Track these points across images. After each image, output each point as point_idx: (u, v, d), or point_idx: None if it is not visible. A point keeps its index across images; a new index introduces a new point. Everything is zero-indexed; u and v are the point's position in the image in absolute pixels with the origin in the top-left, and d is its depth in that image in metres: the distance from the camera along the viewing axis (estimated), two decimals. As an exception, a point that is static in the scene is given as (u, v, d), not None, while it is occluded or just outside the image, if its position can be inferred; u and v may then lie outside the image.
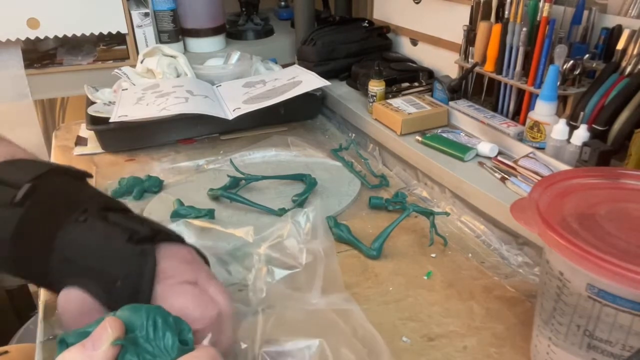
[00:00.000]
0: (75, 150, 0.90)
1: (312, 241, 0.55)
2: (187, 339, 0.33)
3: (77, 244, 0.39)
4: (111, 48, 1.20)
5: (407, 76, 0.97)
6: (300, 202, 0.70)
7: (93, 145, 0.90)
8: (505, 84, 0.79)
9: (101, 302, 0.37)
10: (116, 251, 0.38)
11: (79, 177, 0.46)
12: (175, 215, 0.66)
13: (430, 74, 0.96)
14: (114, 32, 1.13)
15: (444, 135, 0.79)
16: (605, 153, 0.61)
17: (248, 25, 1.34)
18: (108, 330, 0.30)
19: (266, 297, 0.49)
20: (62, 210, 0.40)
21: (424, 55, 1.02)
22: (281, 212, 0.68)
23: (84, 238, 0.39)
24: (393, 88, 0.92)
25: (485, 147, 0.73)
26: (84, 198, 0.42)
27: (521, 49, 0.74)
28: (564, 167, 0.64)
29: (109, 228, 0.39)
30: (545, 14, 0.69)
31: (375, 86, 0.87)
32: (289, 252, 0.55)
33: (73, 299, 0.37)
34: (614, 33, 0.67)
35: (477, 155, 0.74)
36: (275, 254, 0.57)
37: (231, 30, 1.33)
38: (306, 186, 0.74)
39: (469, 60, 0.85)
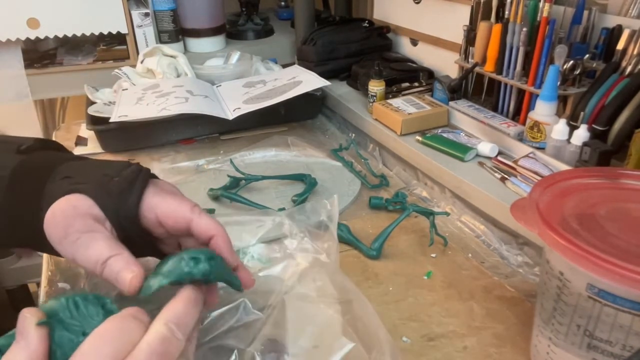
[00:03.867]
0: (75, 150, 0.90)
1: (315, 240, 0.55)
2: (112, 309, 0.33)
3: (77, 165, 0.44)
4: (111, 48, 1.20)
5: (407, 76, 0.97)
6: (300, 202, 0.70)
7: (93, 145, 0.90)
8: (506, 84, 0.79)
9: (94, 199, 0.40)
10: (112, 165, 0.44)
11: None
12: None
13: (430, 74, 0.96)
14: (114, 32, 1.13)
15: (444, 135, 0.79)
16: (605, 153, 0.61)
17: (248, 25, 1.34)
18: (27, 316, 0.30)
19: (266, 297, 0.49)
20: (61, 154, 0.46)
21: (424, 55, 1.02)
22: (281, 212, 0.68)
23: (83, 163, 0.45)
24: (393, 88, 0.92)
25: (485, 147, 0.73)
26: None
27: (521, 49, 0.74)
28: (564, 167, 0.64)
29: (106, 160, 0.46)
30: (545, 14, 0.69)
31: (375, 86, 0.87)
32: (289, 252, 0.55)
33: (64, 202, 0.39)
34: (614, 33, 0.67)
35: (477, 155, 0.74)
36: (275, 254, 0.57)
37: (231, 30, 1.33)
38: (306, 186, 0.74)
39: (469, 60, 0.85)
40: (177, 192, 0.45)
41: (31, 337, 0.30)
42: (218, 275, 0.38)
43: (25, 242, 0.45)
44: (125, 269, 0.37)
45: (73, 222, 0.39)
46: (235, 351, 0.42)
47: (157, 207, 0.42)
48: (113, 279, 0.37)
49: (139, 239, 0.43)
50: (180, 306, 0.33)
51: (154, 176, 0.46)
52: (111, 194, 0.40)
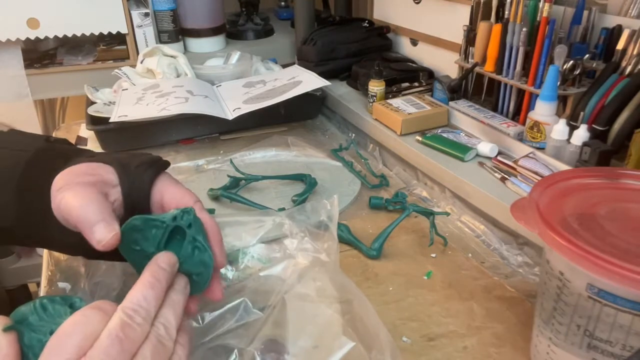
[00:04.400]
0: (75, 150, 0.90)
1: (315, 240, 0.55)
2: (81, 307, 0.34)
3: (90, 154, 0.46)
4: (111, 48, 1.20)
5: (407, 76, 0.97)
6: (300, 202, 0.70)
7: (93, 145, 0.90)
8: (505, 84, 0.79)
9: (111, 165, 0.42)
10: (133, 153, 0.45)
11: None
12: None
13: (430, 74, 0.96)
14: (114, 32, 1.13)
15: (444, 135, 0.79)
16: (605, 153, 0.61)
17: (248, 25, 1.34)
18: None
19: (266, 296, 0.49)
20: (70, 151, 0.47)
21: (424, 55, 1.02)
22: (281, 212, 0.68)
23: (94, 153, 0.46)
24: (393, 88, 0.92)
25: (485, 147, 0.73)
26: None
27: (521, 49, 0.74)
28: (564, 167, 0.64)
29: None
30: (545, 14, 0.69)
31: (375, 86, 0.87)
32: (289, 252, 0.55)
33: (72, 169, 0.40)
34: (614, 33, 0.67)
35: (477, 155, 0.74)
36: (275, 254, 0.57)
37: (231, 30, 1.33)
38: (306, 186, 0.74)
39: (469, 60, 0.85)
40: (184, 185, 0.47)
41: (0, 342, 0.30)
42: (196, 230, 0.40)
43: (34, 229, 0.44)
44: (105, 221, 0.38)
45: (79, 177, 0.40)
46: (236, 351, 0.42)
47: (166, 190, 0.44)
48: (84, 227, 0.38)
49: (141, 213, 0.43)
50: (136, 292, 0.34)
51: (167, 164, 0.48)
52: (127, 168, 0.43)
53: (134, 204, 0.43)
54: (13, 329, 0.31)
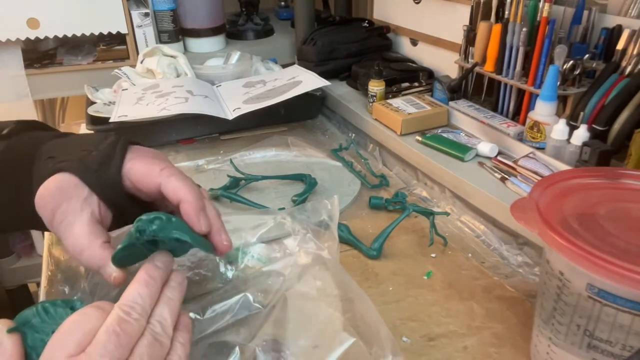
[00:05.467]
0: (75, 150, 0.90)
1: (316, 239, 0.55)
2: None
3: (59, 143, 0.44)
4: (111, 48, 1.20)
5: (407, 76, 0.97)
6: (300, 202, 0.70)
7: (93, 145, 0.90)
8: (505, 84, 0.79)
9: (74, 174, 0.41)
10: (92, 139, 0.44)
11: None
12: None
13: (430, 74, 0.96)
14: (114, 32, 1.13)
15: (444, 135, 0.79)
16: (605, 153, 0.61)
17: (248, 25, 1.34)
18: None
19: (267, 292, 0.49)
20: (44, 133, 0.47)
21: (424, 55, 1.02)
22: (281, 211, 0.68)
23: (66, 140, 0.45)
24: (393, 88, 0.92)
25: (485, 147, 0.73)
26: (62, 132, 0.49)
27: (521, 49, 0.74)
28: (564, 167, 0.64)
29: (87, 135, 0.46)
30: (545, 14, 0.69)
31: (375, 86, 0.87)
32: (289, 252, 0.55)
33: (50, 183, 0.40)
34: (614, 33, 0.67)
35: (477, 155, 0.74)
36: (275, 253, 0.57)
37: (231, 30, 1.33)
38: (306, 186, 0.74)
39: (469, 60, 0.85)
40: (154, 155, 0.45)
41: (5, 345, 0.32)
42: (160, 232, 0.38)
43: (26, 226, 0.47)
44: (103, 267, 0.40)
45: (59, 204, 0.40)
46: (237, 347, 0.42)
47: (130, 172, 0.42)
48: (94, 270, 0.41)
49: (128, 206, 0.43)
50: (132, 289, 0.35)
51: (137, 143, 0.46)
52: (91, 169, 0.41)
53: (113, 201, 0.43)
54: (17, 331, 0.32)
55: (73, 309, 0.35)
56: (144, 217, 0.38)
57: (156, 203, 0.45)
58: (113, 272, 0.39)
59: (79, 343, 0.31)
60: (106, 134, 0.45)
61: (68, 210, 0.40)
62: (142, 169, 0.42)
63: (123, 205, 0.43)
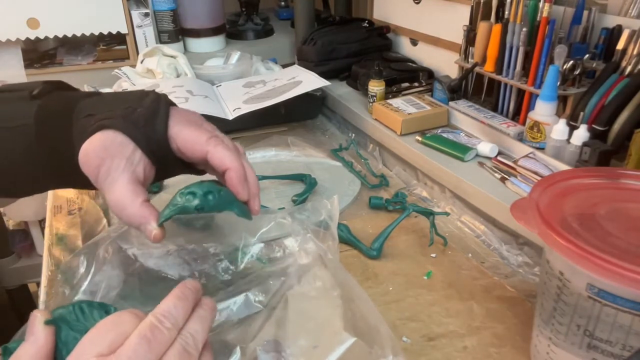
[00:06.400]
0: (75, 150, 0.90)
1: (316, 239, 0.55)
2: None
3: (95, 101, 0.45)
4: (111, 48, 1.20)
5: (407, 76, 0.97)
6: (300, 202, 0.70)
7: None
8: (505, 84, 0.79)
9: (120, 130, 0.41)
10: (131, 96, 0.45)
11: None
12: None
13: (430, 74, 0.96)
14: (114, 32, 1.13)
15: (444, 135, 0.79)
16: (605, 153, 0.61)
17: (248, 25, 1.34)
18: (37, 316, 0.33)
19: (268, 292, 0.49)
20: (73, 93, 0.47)
21: (424, 55, 1.02)
22: (281, 211, 0.68)
23: (100, 98, 0.46)
24: (393, 88, 0.92)
25: (485, 147, 0.73)
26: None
27: (521, 49, 0.74)
28: (564, 167, 0.64)
29: (124, 92, 0.47)
30: (545, 14, 0.69)
31: (375, 86, 0.87)
32: (289, 252, 0.55)
33: (94, 140, 0.41)
34: (614, 33, 0.67)
35: (477, 155, 0.74)
36: (275, 253, 0.57)
37: (231, 30, 1.33)
38: (306, 186, 0.74)
39: (469, 60, 0.85)
40: (197, 120, 0.46)
41: (39, 334, 0.32)
42: (215, 207, 0.43)
43: (64, 184, 0.48)
44: (144, 224, 0.42)
45: (103, 161, 0.41)
46: (238, 347, 0.42)
47: (177, 137, 0.43)
48: (135, 228, 0.42)
49: (171, 162, 0.45)
50: (168, 301, 0.35)
51: (173, 103, 0.46)
52: (138, 125, 0.42)
53: (158, 157, 0.44)
54: (53, 324, 0.33)
55: (107, 313, 0.36)
56: (196, 189, 0.42)
57: (198, 164, 0.47)
58: (154, 229, 0.41)
59: (110, 344, 0.31)
60: (143, 90, 0.46)
61: (111, 168, 0.41)
62: (189, 136, 0.43)
63: (167, 162, 0.44)
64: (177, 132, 0.43)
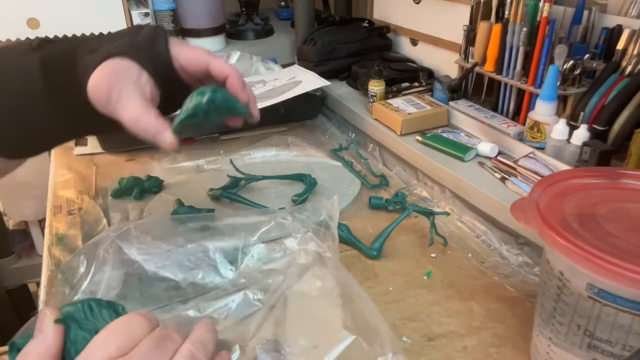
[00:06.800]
0: (75, 150, 0.90)
1: (316, 238, 0.55)
2: (123, 314, 0.36)
3: (95, 41, 0.48)
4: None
5: (407, 76, 0.97)
6: (300, 202, 0.70)
7: (93, 145, 0.90)
8: (505, 84, 0.79)
9: (126, 56, 0.45)
10: (129, 30, 0.49)
11: None
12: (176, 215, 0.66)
13: (430, 74, 0.96)
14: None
15: (444, 135, 0.79)
16: (605, 153, 0.61)
17: (248, 25, 1.34)
18: (47, 314, 0.33)
19: (267, 291, 0.49)
20: (72, 38, 0.51)
21: (424, 55, 1.02)
22: (282, 210, 0.68)
23: (99, 38, 0.49)
24: (393, 88, 0.92)
25: (485, 147, 0.73)
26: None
27: (521, 49, 0.74)
28: (564, 167, 0.64)
29: (121, 30, 0.50)
30: (545, 14, 0.69)
31: (375, 86, 0.87)
32: (289, 251, 0.55)
33: (104, 68, 0.44)
34: (614, 33, 0.67)
35: (477, 155, 0.74)
36: (275, 253, 0.57)
37: (231, 30, 1.33)
38: (306, 186, 0.74)
39: (469, 60, 0.85)
40: (193, 45, 0.51)
41: (48, 332, 0.32)
42: (222, 102, 0.47)
43: (77, 127, 0.50)
44: (158, 133, 0.45)
45: (113, 85, 0.44)
46: (237, 346, 0.42)
47: (179, 55, 0.48)
48: (150, 138, 0.45)
49: (174, 82, 0.49)
50: (201, 332, 0.36)
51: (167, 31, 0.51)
52: (142, 48, 0.46)
53: (163, 78, 0.47)
54: (62, 323, 0.33)
55: (116, 312, 0.36)
56: (203, 89, 0.46)
57: (195, 86, 0.50)
58: (169, 138, 0.45)
59: (121, 346, 0.32)
60: (139, 25, 0.51)
61: (122, 90, 0.44)
62: (190, 53, 0.48)
63: (171, 83, 0.48)
64: (179, 52, 0.48)
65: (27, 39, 0.51)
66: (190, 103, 0.46)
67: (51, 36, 1.08)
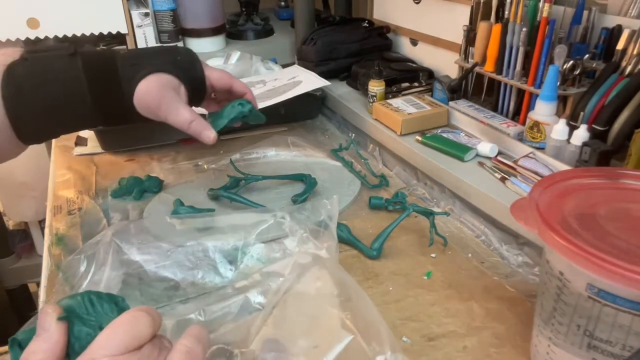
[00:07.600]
0: (75, 150, 0.90)
1: (315, 239, 0.55)
2: (124, 307, 0.36)
3: (137, 52, 0.63)
4: (111, 48, 1.20)
5: (407, 76, 0.97)
6: (300, 202, 0.70)
7: (93, 145, 0.90)
8: (505, 84, 0.79)
9: (170, 73, 0.58)
10: (164, 49, 0.64)
11: None
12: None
13: (430, 74, 0.96)
14: (114, 32, 1.13)
15: (444, 135, 0.79)
16: (605, 153, 0.61)
17: (248, 25, 1.34)
18: (49, 312, 0.33)
19: (267, 293, 0.49)
20: (105, 49, 0.63)
21: (424, 55, 1.02)
22: (281, 209, 0.68)
23: (135, 52, 0.62)
24: (393, 88, 0.92)
25: (485, 147, 0.73)
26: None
27: (521, 49, 0.74)
28: (564, 167, 0.64)
29: (156, 47, 0.65)
30: (545, 14, 0.69)
31: (375, 86, 0.87)
32: (289, 252, 0.55)
33: (151, 81, 0.56)
34: (614, 33, 0.67)
35: (477, 155, 0.74)
36: (275, 253, 0.57)
37: (231, 30, 1.33)
38: (306, 186, 0.74)
39: (469, 60, 0.85)
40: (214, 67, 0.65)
41: (52, 330, 0.32)
42: (254, 112, 0.64)
43: (116, 122, 0.61)
44: (204, 131, 0.59)
45: (163, 95, 0.56)
46: (237, 351, 0.42)
47: (211, 76, 0.63)
48: (197, 135, 0.59)
49: (202, 97, 0.64)
50: (195, 330, 0.36)
51: None
52: (182, 68, 0.59)
53: (194, 93, 0.62)
54: (66, 319, 0.33)
55: (117, 305, 0.36)
56: (243, 101, 0.63)
57: (221, 94, 0.67)
58: (212, 133, 0.59)
59: (126, 344, 0.32)
60: (172, 45, 0.59)
61: (172, 99, 0.57)
62: (219, 74, 0.63)
63: (199, 97, 0.63)
64: (210, 73, 0.63)
65: (58, 45, 0.57)
66: (232, 110, 0.62)
67: (51, 36, 1.08)
